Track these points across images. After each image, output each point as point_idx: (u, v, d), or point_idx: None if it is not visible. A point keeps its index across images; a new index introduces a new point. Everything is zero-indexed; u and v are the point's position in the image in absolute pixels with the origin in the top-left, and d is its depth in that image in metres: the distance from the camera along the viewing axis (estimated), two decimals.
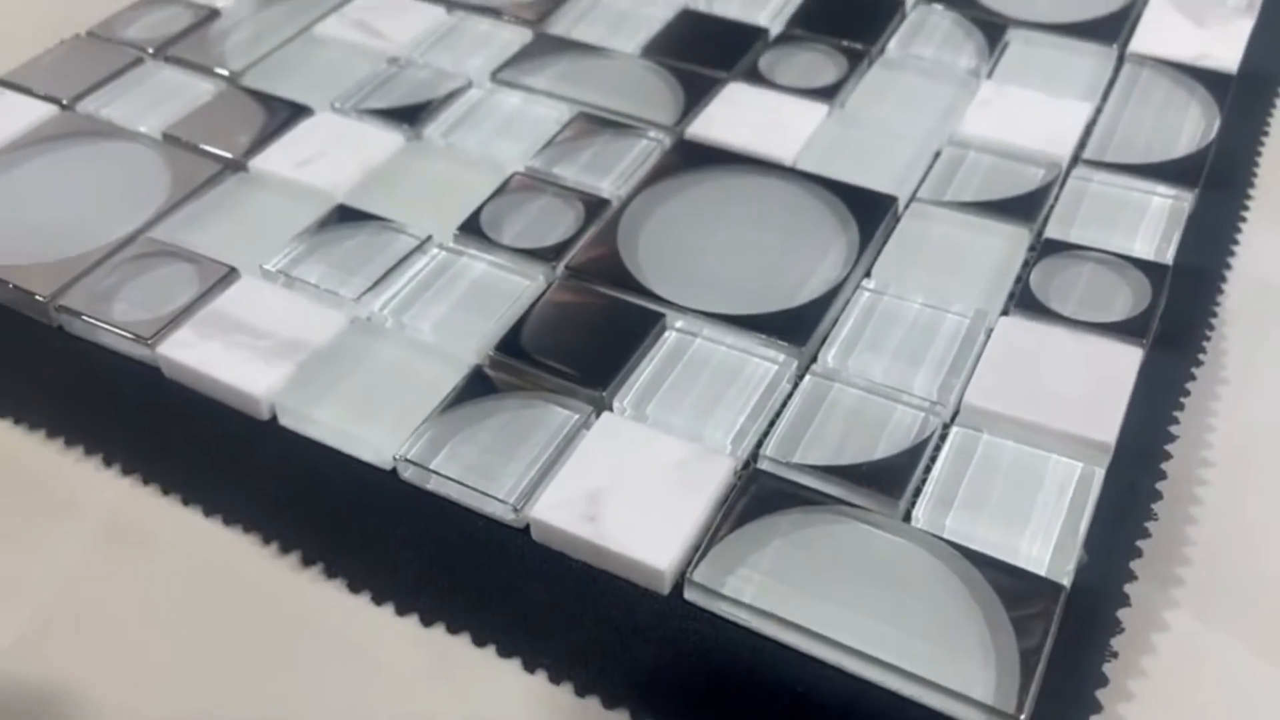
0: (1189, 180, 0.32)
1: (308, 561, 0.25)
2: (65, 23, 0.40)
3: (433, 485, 0.26)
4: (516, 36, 0.39)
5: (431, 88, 0.37)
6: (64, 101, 0.36)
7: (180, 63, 0.38)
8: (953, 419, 0.26)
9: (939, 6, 0.39)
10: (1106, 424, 0.25)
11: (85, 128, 0.36)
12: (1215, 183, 0.33)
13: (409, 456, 0.26)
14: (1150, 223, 0.31)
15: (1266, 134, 0.35)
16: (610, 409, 0.27)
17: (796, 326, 0.28)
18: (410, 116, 0.36)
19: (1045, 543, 0.24)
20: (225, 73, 0.38)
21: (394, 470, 0.26)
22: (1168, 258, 0.30)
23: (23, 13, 0.43)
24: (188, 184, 0.33)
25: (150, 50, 0.39)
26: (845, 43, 0.38)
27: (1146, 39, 0.38)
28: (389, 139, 0.35)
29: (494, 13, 0.40)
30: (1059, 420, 0.26)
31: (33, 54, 0.39)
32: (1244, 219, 0.32)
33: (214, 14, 0.41)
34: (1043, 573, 0.23)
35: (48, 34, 0.40)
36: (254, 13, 0.41)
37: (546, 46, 0.39)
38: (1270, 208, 0.33)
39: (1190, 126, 0.35)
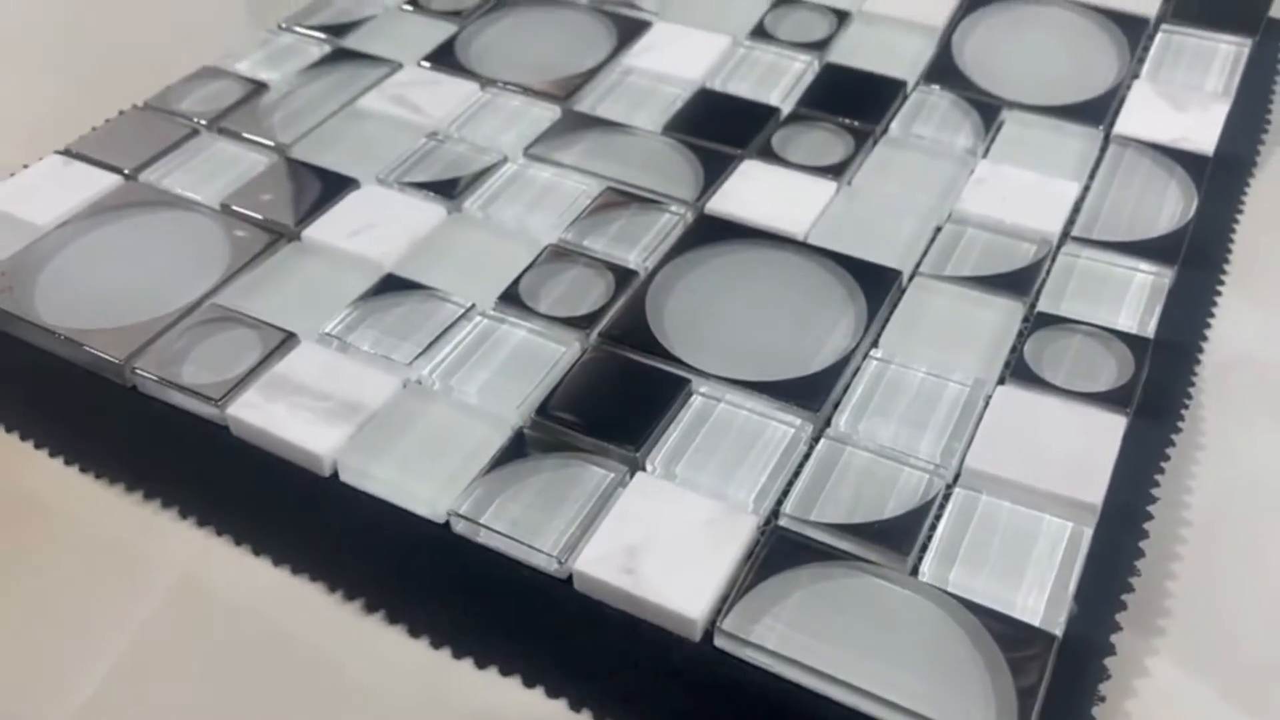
0: (1169, 258, 0.35)
1: (370, 608, 0.27)
2: (122, 94, 0.43)
3: (482, 538, 0.28)
4: (546, 112, 0.42)
5: (468, 162, 0.40)
6: (126, 171, 0.39)
7: (233, 135, 0.41)
8: (955, 481, 0.29)
9: (938, 88, 0.42)
10: (1093, 487, 0.28)
11: (148, 197, 0.38)
12: (1193, 260, 0.35)
13: (460, 512, 0.28)
14: (1134, 297, 0.34)
15: (1240, 213, 0.38)
16: (643, 469, 0.29)
17: (811, 393, 0.31)
18: (450, 190, 0.38)
19: (1039, 596, 0.26)
20: (275, 145, 0.41)
21: (447, 524, 0.29)
22: (1149, 331, 0.33)
23: (83, 84, 0.46)
24: (246, 252, 0.36)
25: (204, 122, 0.42)
26: (851, 122, 0.41)
27: (1130, 121, 0.41)
28: (431, 211, 0.38)
29: (524, 89, 0.43)
30: (1051, 483, 0.28)
31: (92, 123, 0.42)
32: (1219, 293, 0.35)
33: (262, 87, 0.43)
34: (1037, 623, 0.26)
35: (107, 105, 0.43)
36: (300, 87, 0.43)
37: (574, 123, 0.41)
38: (1244, 283, 0.36)
39: (1170, 206, 0.37)
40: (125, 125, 0.42)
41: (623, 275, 0.35)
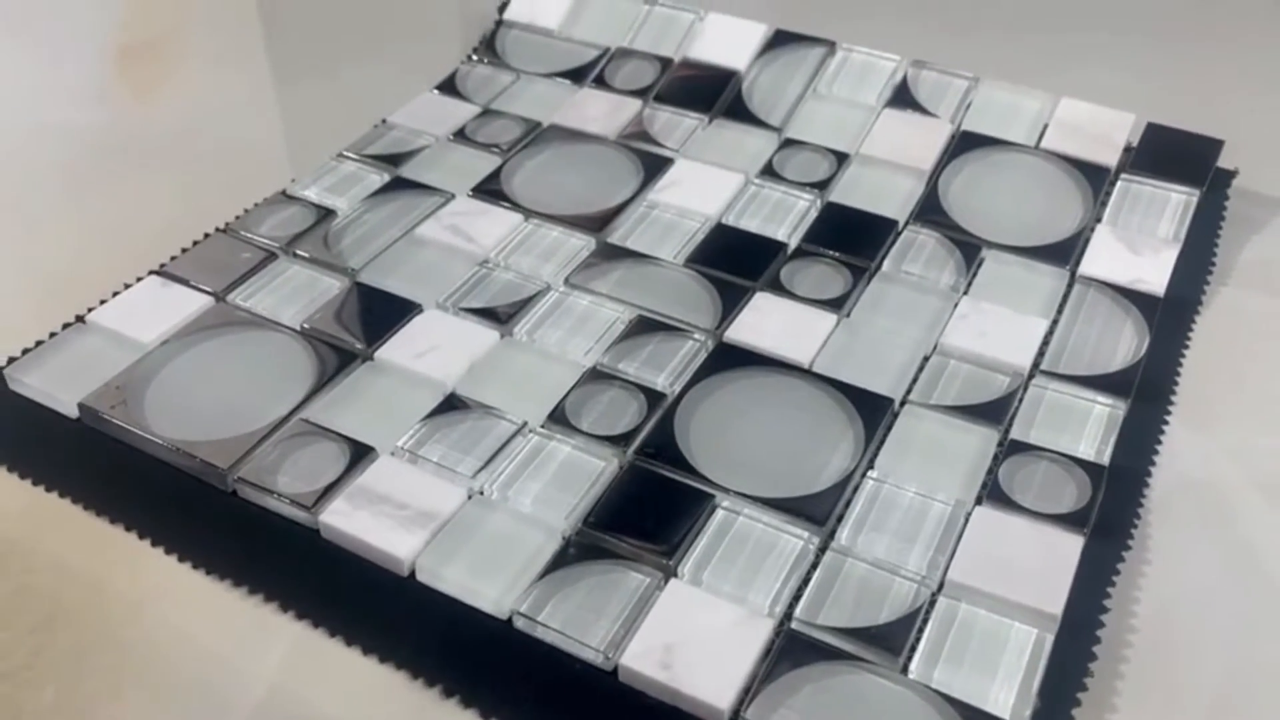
0: (1123, 391, 0.41)
1: (447, 693, 0.33)
2: (207, 215, 0.49)
3: (540, 634, 0.34)
4: (581, 243, 0.48)
5: (516, 290, 0.45)
6: (217, 293, 0.45)
7: (307, 259, 0.47)
8: (939, 590, 0.34)
9: (925, 228, 0.48)
10: (1055, 599, 0.34)
11: (237, 318, 0.44)
12: (1144, 392, 0.41)
13: (521, 610, 0.34)
14: (1092, 427, 0.40)
15: (1187, 348, 0.44)
16: (676, 575, 0.35)
17: (818, 509, 0.36)
18: (501, 316, 0.44)
19: (1009, 691, 0.32)
20: (345, 269, 0.46)
21: (509, 620, 0.34)
22: (1105, 458, 0.38)
23: (177, 205, 0.51)
24: (326, 371, 0.41)
25: (281, 247, 0.47)
26: (850, 259, 0.47)
27: (1093, 264, 0.46)
28: (486, 335, 0.43)
29: (562, 221, 0.49)
30: (1020, 595, 0.34)
31: (182, 244, 0.48)
32: (1166, 422, 0.41)
33: (330, 214, 0.49)
34: (1007, 717, 0.31)
35: (194, 226, 0.48)
36: (363, 213, 0.49)
37: (607, 254, 0.47)
38: (1188, 414, 0.41)
39: (1126, 342, 0.43)
40: (212, 249, 0.47)
41: (653, 397, 0.41)
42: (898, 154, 0.52)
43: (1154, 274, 0.46)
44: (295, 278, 0.46)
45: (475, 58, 0.60)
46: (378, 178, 0.51)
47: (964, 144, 0.52)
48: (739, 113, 0.55)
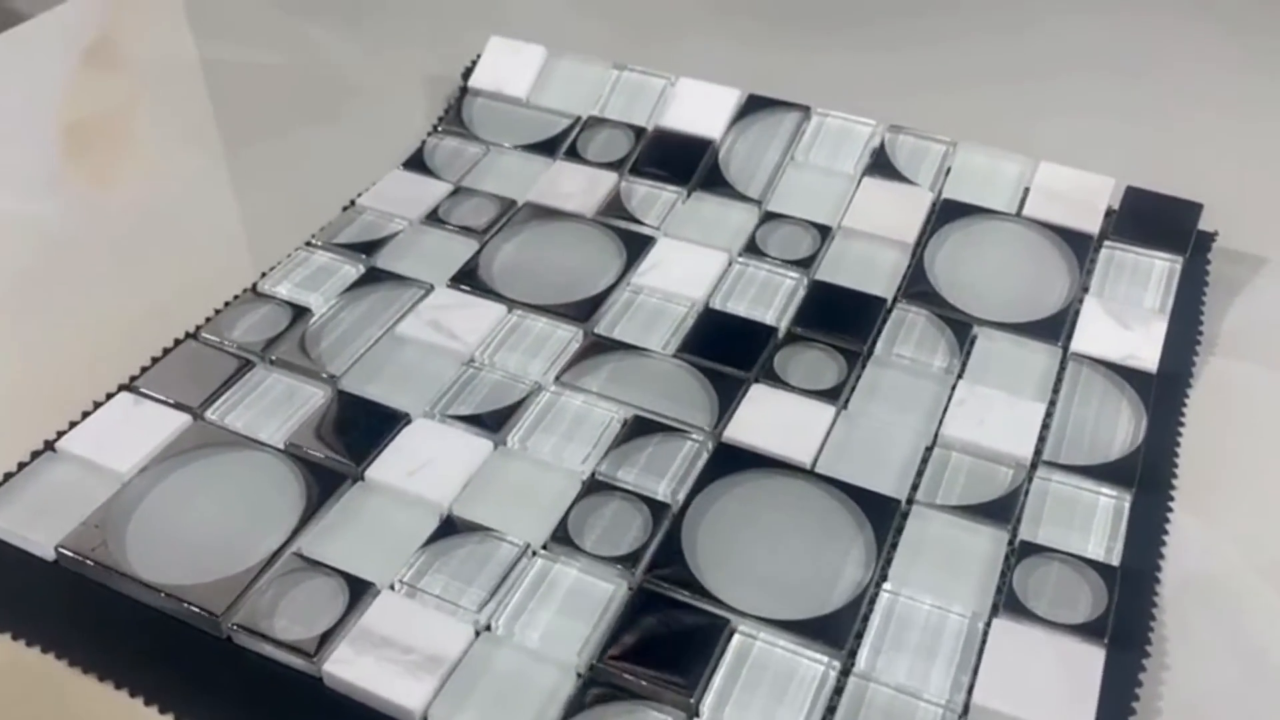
0: (1126, 481, 0.41)
1: None
2: (171, 319, 0.47)
3: None
4: (569, 334, 0.47)
5: (505, 391, 0.44)
6: (193, 409, 0.43)
7: (286, 366, 0.45)
8: (964, 715, 0.34)
9: (914, 307, 0.48)
10: (1080, 718, 0.33)
11: (216, 438, 0.42)
12: (1146, 481, 0.41)
13: None
14: (1099, 521, 0.39)
15: (1182, 427, 0.44)
16: (698, 714, 0.34)
17: (836, 631, 0.36)
18: (492, 423, 0.43)
19: None
20: (326, 376, 0.44)
21: None
22: (1115, 558, 0.38)
23: (129, 309, 0.49)
24: (315, 495, 0.40)
25: (257, 354, 0.45)
26: (842, 342, 0.46)
27: (1084, 339, 0.46)
28: (479, 445, 0.42)
29: (546, 311, 0.48)
30: (1044, 716, 0.33)
31: (139, 350, 0.45)
32: (1170, 511, 0.41)
33: (304, 312, 0.47)
34: None
35: (155, 332, 0.46)
36: (340, 310, 0.48)
37: (595, 347, 0.46)
38: (1190, 501, 0.41)
39: (1123, 424, 0.43)
40: (183, 358, 0.45)
41: (657, 508, 0.40)
42: (881, 226, 0.51)
43: (1146, 349, 0.46)
44: (274, 388, 0.44)
45: (441, 129, 0.58)
46: (352, 269, 0.50)
47: (946, 213, 0.52)
48: (717, 183, 0.54)
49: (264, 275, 0.50)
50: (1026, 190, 0.52)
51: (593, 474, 0.41)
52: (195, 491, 0.40)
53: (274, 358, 0.45)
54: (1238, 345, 0.48)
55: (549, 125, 0.58)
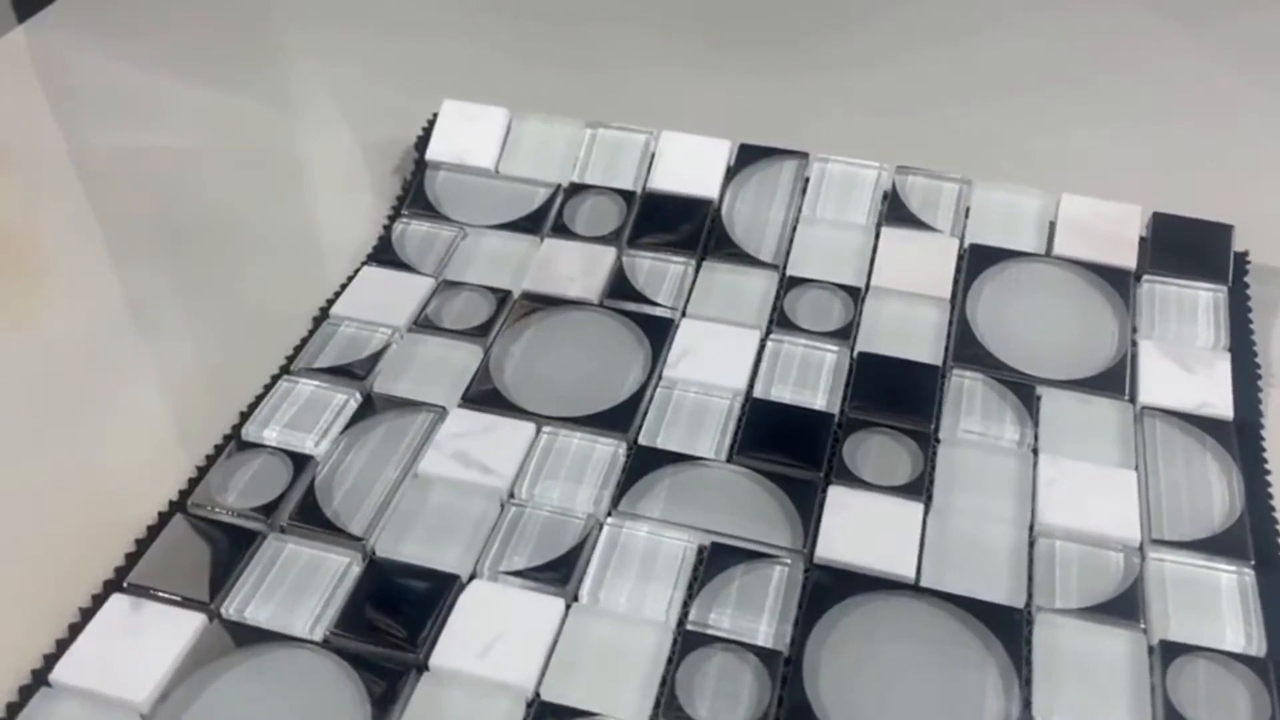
0: (1241, 553, 0.38)
1: None
2: (143, 483, 0.40)
3: None
4: (610, 448, 0.42)
5: (560, 532, 0.39)
6: (206, 604, 0.37)
7: (301, 533, 0.39)
8: None
9: (967, 370, 0.45)
10: None
11: (244, 637, 0.36)
12: (1259, 547, 0.39)
13: None
14: (1229, 604, 0.37)
15: (1269, 479, 0.42)
16: None
17: None
18: (557, 574, 0.38)
19: None
20: (353, 541, 0.39)
21: None
22: (1257, 646, 0.36)
23: (94, 476, 0.42)
24: (378, 695, 0.34)
25: (264, 520, 0.39)
26: (907, 423, 0.43)
27: (1151, 390, 0.44)
28: (549, 605, 0.37)
29: (579, 423, 0.43)
30: None
31: (116, 532, 0.39)
32: None
33: (306, 460, 0.41)
34: None
35: (130, 502, 0.40)
36: (346, 453, 0.42)
37: (645, 462, 0.41)
38: None
39: (1215, 482, 0.41)
40: (174, 540, 0.39)
41: (766, 658, 0.35)
42: (911, 282, 0.48)
43: (1216, 395, 0.44)
44: (294, 562, 0.38)
45: (406, 212, 0.52)
46: (347, 397, 0.44)
47: (976, 260, 0.49)
48: (726, 247, 0.50)
49: (244, 417, 0.43)
50: (1052, 225, 0.50)
51: (682, 622, 0.37)
52: (234, 714, 0.34)
53: (284, 524, 0.39)
54: None
55: (526, 197, 0.52)
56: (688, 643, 0.36)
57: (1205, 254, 0.49)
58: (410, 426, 0.43)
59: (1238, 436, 0.42)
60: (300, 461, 0.41)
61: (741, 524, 0.39)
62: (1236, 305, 0.47)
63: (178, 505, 0.40)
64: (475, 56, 0.64)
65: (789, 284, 0.48)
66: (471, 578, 0.38)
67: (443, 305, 0.48)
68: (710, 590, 0.37)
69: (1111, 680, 0.35)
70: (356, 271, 0.49)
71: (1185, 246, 0.49)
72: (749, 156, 0.53)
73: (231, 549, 0.38)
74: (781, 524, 0.40)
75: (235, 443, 0.42)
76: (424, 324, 0.47)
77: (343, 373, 0.45)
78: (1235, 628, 0.36)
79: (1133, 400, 0.44)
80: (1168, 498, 0.40)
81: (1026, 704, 0.35)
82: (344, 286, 0.49)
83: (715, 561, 0.38)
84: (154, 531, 0.39)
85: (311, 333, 0.47)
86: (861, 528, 0.39)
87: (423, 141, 0.55)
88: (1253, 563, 0.38)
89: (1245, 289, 0.48)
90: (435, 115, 0.55)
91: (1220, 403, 0.43)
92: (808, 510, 0.40)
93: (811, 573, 0.38)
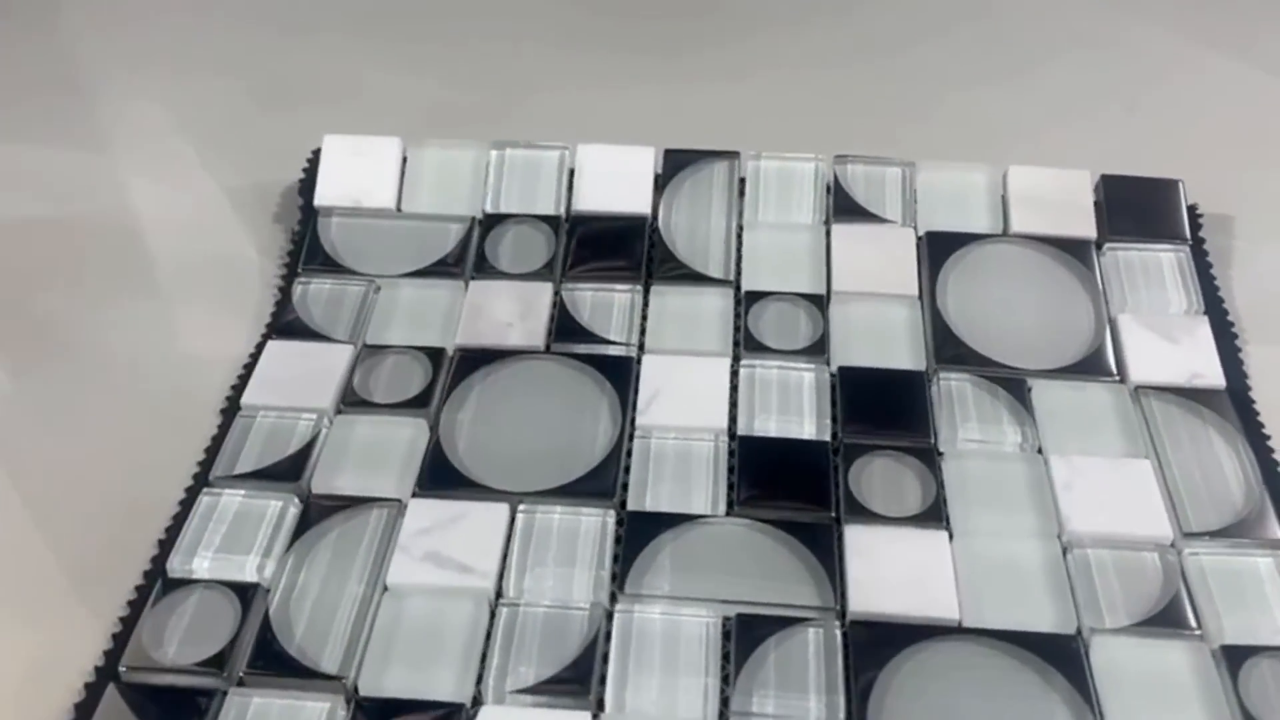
0: (1272, 533, 0.37)
1: None
2: (55, 648, 0.34)
3: None
4: (595, 519, 0.37)
5: (565, 630, 0.34)
6: None
7: (265, 682, 0.33)
8: None
9: (952, 372, 0.42)
10: None
11: None
12: None
13: None
14: (1273, 591, 0.36)
15: (1270, 445, 0.40)
16: None
17: None
18: (573, 684, 0.33)
19: None
20: (330, 682, 0.33)
21: None
22: None
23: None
24: None
25: (219, 676, 0.33)
26: (905, 441, 0.40)
27: (1139, 367, 0.42)
28: None
29: (555, 496, 0.38)
30: None
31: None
32: None
33: (252, 590, 0.35)
34: None
35: (39, 673, 0.33)
36: (298, 574, 0.36)
37: (640, 530, 0.37)
38: None
39: (1225, 458, 0.39)
40: (121, 707, 0.32)
41: None
42: (875, 282, 0.45)
43: (1204, 363, 0.42)
44: (267, 716, 0.33)
45: (303, 270, 0.46)
46: (280, 504, 0.38)
47: (935, 249, 0.46)
48: (671, 267, 0.45)
49: (164, 546, 0.37)
50: (1005, 201, 0.47)
51: (724, 716, 0.33)
52: None
53: (242, 674, 0.33)
54: (1272, 328, 0.45)
55: (437, 237, 0.47)
56: None
57: (1160, 213, 0.47)
58: (365, 529, 0.37)
59: (1233, 403, 0.41)
60: (245, 593, 0.35)
61: (761, 586, 0.36)
62: (1199, 262, 0.46)
63: (106, 672, 0.34)
64: (348, 82, 0.57)
65: (747, 300, 0.44)
66: (476, 703, 0.33)
67: (369, 376, 0.42)
68: (747, 673, 0.34)
69: (1181, 694, 0.33)
70: (259, 347, 0.43)
71: (1139, 207, 0.47)
72: (677, 162, 0.48)
73: (184, 717, 0.32)
74: (804, 579, 0.36)
75: (160, 581, 0.36)
76: (353, 401, 0.41)
77: (271, 475, 0.39)
78: None
79: (1124, 380, 0.42)
80: (1184, 484, 0.39)
81: None
82: (248, 368, 0.42)
83: (744, 637, 0.34)
84: (84, 711, 0.33)
85: (222, 429, 0.40)
86: (890, 570, 0.36)
87: (306, 185, 0.48)
88: None
89: (1203, 244, 0.47)
90: (316, 153, 0.49)
91: (1210, 372, 0.42)
92: (828, 559, 0.36)
93: (850, 631, 0.35)
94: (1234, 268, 0.47)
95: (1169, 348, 0.43)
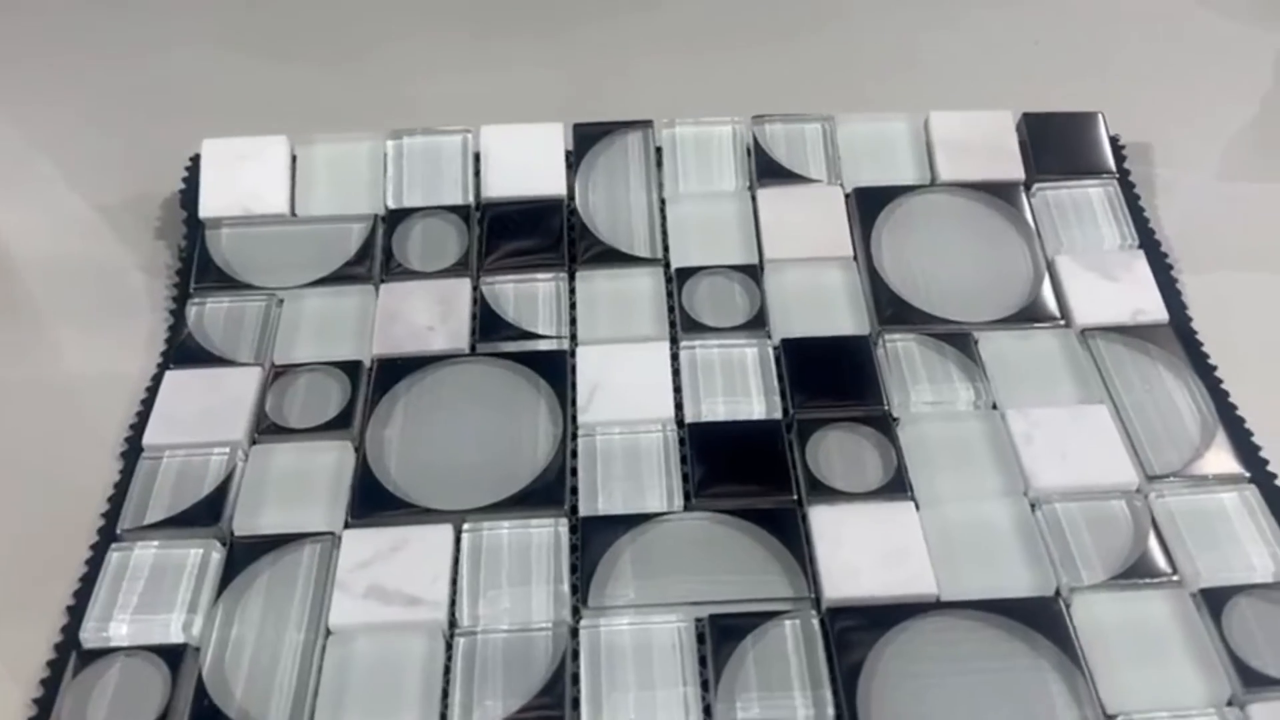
0: (1232, 467, 0.36)
1: None
2: None
3: None
4: (546, 531, 0.35)
5: (529, 655, 0.32)
6: None
7: None
8: None
9: (897, 333, 0.40)
10: None
11: None
12: (1248, 462, 0.37)
13: None
14: (1240, 525, 0.35)
15: (1220, 380, 0.40)
16: None
17: None
18: (546, 710, 0.31)
19: None
20: None
21: None
22: None
23: None
24: None
25: None
26: (858, 410, 0.38)
27: (1082, 309, 0.41)
28: None
29: (501, 511, 0.35)
30: None
31: None
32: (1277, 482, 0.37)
33: (179, 652, 0.32)
34: None
35: None
36: (232, 628, 0.33)
37: (597, 535, 0.35)
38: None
39: (1178, 393, 0.39)
40: None
41: None
42: (808, 247, 0.43)
43: (1145, 298, 0.41)
44: None
45: (195, 289, 0.42)
46: (200, 552, 0.34)
47: (865, 205, 0.44)
48: (594, 249, 0.43)
49: (73, 613, 0.33)
50: (930, 150, 0.46)
51: None
52: None
53: None
54: (1203, 257, 0.44)
55: (339, 240, 0.43)
56: None
57: (1084, 147, 0.46)
58: (298, 569, 0.34)
59: (1178, 336, 0.41)
60: (173, 656, 0.32)
61: (730, 582, 0.34)
62: (1127, 195, 0.45)
63: None
64: (219, 84, 0.52)
65: (679, 277, 0.42)
66: None
67: (282, 399, 0.39)
68: (727, 677, 0.32)
69: (1166, 643, 0.33)
70: (155, 379, 0.39)
71: (1062, 144, 0.46)
72: (587, 137, 0.45)
73: None
74: (773, 569, 0.34)
75: (75, 654, 0.32)
76: (267, 429, 0.38)
77: (187, 520, 0.35)
78: (1259, 551, 0.35)
79: (1068, 324, 0.41)
80: (1142, 425, 0.38)
81: (1095, 694, 0.31)
82: (146, 403, 0.39)
83: (719, 639, 0.33)
84: None
85: (125, 475, 0.37)
86: (860, 550, 0.34)
87: (188, 195, 0.44)
88: (1248, 475, 0.36)
89: (1129, 175, 0.46)
90: (195, 159, 0.45)
91: (1152, 306, 0.41)
92: (796, 545, 0.35)
93: (827, 620, 0.33)
94: (1158, 196, 0.47)
95: (1109, 286, 0.42)
